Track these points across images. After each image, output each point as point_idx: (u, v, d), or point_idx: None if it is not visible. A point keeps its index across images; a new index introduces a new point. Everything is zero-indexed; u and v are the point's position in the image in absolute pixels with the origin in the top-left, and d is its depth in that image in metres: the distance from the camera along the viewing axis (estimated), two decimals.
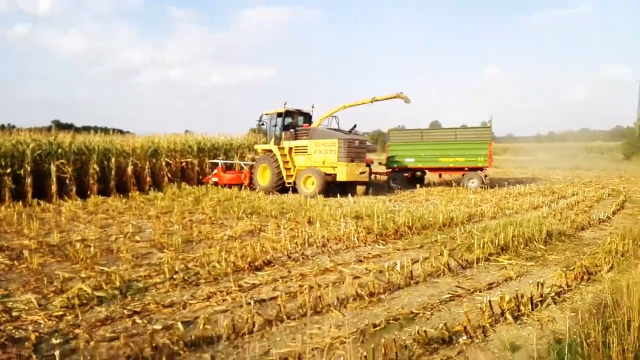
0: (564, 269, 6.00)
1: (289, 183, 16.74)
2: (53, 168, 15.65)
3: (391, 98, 17.68)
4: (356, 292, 5.30)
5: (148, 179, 18.22)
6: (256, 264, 6.69)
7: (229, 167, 20.30)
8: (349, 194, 15.06)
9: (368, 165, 17.43)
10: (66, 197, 15.48)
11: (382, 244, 8.15)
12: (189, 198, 14.50)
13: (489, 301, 4.58)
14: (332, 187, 16.34)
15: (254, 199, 14.14)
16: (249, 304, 4.95)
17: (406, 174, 19.61)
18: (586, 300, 5.11)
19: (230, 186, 17.93)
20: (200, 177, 20.10)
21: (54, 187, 15.62)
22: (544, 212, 11.05)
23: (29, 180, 15.17)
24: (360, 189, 16.59)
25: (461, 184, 18.14)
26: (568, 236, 8.40)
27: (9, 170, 14.89)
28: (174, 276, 6.11)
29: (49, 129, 19.25)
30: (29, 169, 15.24)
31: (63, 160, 15.81)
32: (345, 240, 8.17)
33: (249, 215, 11.22)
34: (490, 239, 7.41)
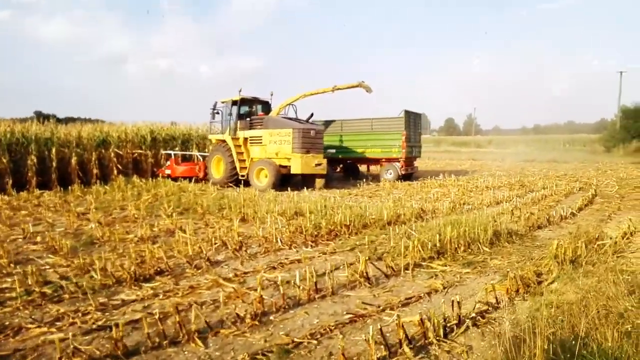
0: (500, 280, 5.04)
1: (242, 176, 15.78)
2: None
3: (353, 87, 17.07)
4: (237, 313, 4.28)
5: (95, 171, 17.02)
6: (146, 273, 5.64)
7: (187, 159, 19.05)
8: (306, 188, 14.20)
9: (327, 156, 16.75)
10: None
11: (312, 245, 7.17)
12: (130, 192, 13.36)
13: (380, 329, 3.58)
14: (293, 181, 15.57)
15: (200, 193, 13.05)
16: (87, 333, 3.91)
17: (338, 166, 19.72)
18: (518, 321, 4.15)
19: (185, 179, 16.77)
20: (155, 169, 18.89)
21: None
22: (503, 208, 10.16)
23: None
24: (319, 182, 15.67)
25: (380, 176, 18.10)
26: (520, 236, 7.47)
27: None
28: (36, 289, 5.03)
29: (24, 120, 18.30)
30: None
31: None
32: (267, 242, 7.14)
33: (184, 212, 10.19)
34: (429, 239, 6.45)
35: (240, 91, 16.24)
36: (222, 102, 16.96)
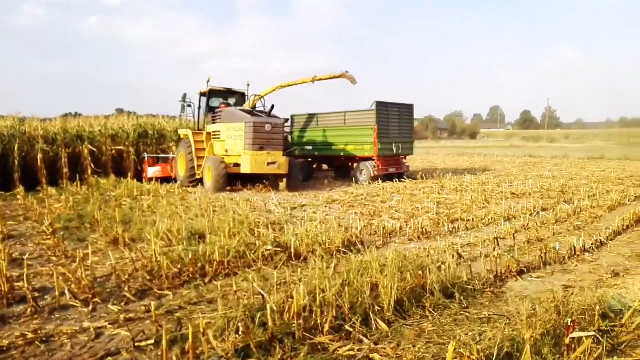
0: None
1: (199, 174, 13.79)
2: None
3: (335, 77, 15.62)
4: None
5: (65, 170, 15.24)
6: None
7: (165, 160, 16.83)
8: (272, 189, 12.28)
9: (289, 154, 15.05)
10: None
11: (134, 300, 4.53)
12: (63, 196, 11.32)
13: None
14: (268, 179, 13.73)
15: (143, 199, 10.75)
16: None
17: (315, 164, 17.92)
18: None
19: (159, 181, 14.67)
20: (139, 168, 16.92)
21: None
22: (505, 229, 7.07)
23: None
24: (282, 183, 13.34)
25: (352, 178, 15.69)
26: (471, 293, 4.41)
27: None
28: None
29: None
30: None
31: None
32: (77, 288, 4.58)
33: (73, 227, 7.95)
34: (279, 306, 3.64)
35: (208, 81, 14.57)
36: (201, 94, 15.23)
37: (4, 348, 3.51)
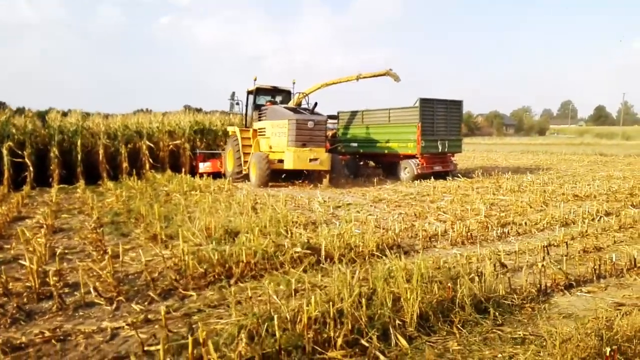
0: None
1: (245, 170, 14.31)
2: (4, 152, 13.78)
3: (379, 75, 15.77)
4: None
5: (124, 164, 15.84)
6: None
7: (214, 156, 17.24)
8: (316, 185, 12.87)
9: (332, 150, 15.37)
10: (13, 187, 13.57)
11: (157, 300, 4.52)
12: (118, 191, 11.72)
13: None
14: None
15: (195, 195, 10.94)
16: None
17: (362, 161, 17.78)
18: None
19: (210, 176, 15.06)
20: (194, 163, 17.35)
21: (6, 175, 13.80)
22: (558, 235, 6.54)
23: None
24: (325, 180, 13.67)
25: (398, 175, 15.55)
26: (509, 308, 4.03)
27: None
28: None
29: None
30: None
31: (10, 143, 13.82)
32: (102, 284, 4.63)
33: (118, 222, 8.17)
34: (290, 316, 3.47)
35: (255, 80, 15.03)
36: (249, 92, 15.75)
37: (22, 345, 3.54)
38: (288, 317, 3.49)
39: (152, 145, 16.52)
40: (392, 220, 7.54)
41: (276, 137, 13.54)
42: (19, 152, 14.09)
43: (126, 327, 3.87)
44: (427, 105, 14.91)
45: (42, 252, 5.65)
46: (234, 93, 15.43)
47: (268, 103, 15.09)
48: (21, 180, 14.07)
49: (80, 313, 4.21)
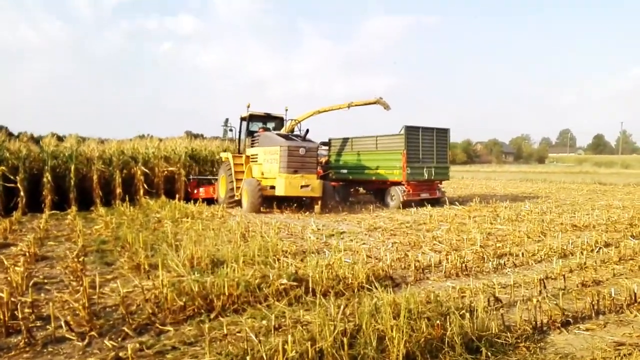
0: None
1: (238, 196, 14.43)
2: None
3: (370, 104, 16.19)
4: None
5: (118, 190, 15.67)
6: None
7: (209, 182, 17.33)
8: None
9: (324, 176, 15.77)
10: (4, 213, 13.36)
11: (131, 335, 4.28)
12: (120, 219, 11.51)
13: None
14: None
15: (185, 222, 10.72)
16: None
17: (353, 187, 17.86)
18: None
19: (204, 201, 15.03)
20: (189, 189, 17.22)
21: None
22: (556, 268, 6.32)
23: None
24: (317, 206, 13.84)
25: (385, 201, 15.79)
26: (503, 347, 3.80)
27: None
28: None
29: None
30: None
31: (2, 168, 13.67)
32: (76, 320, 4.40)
33: (104, 250, 7.96)
34: None
35: (248, 107, 15.32)
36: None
37: None
38: (265, 357, 3.25)
39: (147, 171, 16.38)
40: (385, 250, 7.30)
41: (268, 164, 13.68)
42: (12, 177, 13.92)
43: None
44: (413, 133, 15.13)
45: (18, 282, 5.42)
46: (227, 119, 16.33)
47: (261, 130, 15.30)
48: (13, 206, 13.88)
49: (50, 349, 3.98)
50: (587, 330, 4.28)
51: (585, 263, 6.84)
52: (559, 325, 4.31)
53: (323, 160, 17.88)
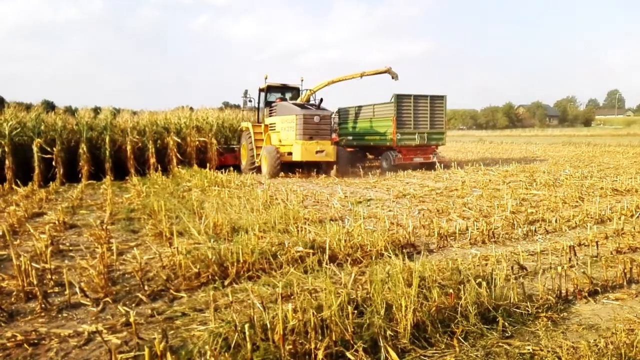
0: None
1: (258, 162, 15.44)
2: (34, 148, 14.05)
3: (381, 73, 16.84)
4: None
5: (152, 160, 15.93)
6: None
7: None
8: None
9: (337, 143, 16.57)
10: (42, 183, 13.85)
11: (146, 301, 4.32)
12: (152, 188, 11.70)
13: None
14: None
15: (214, 190, 10.79)
16: None
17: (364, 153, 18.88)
18: None
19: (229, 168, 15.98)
20: (222, 159, 17.42)
21: (36, 170, 14.07)
22: (590, 234, 5.99)
23: (7, 163, 13.75)
24: (332, 171, 14.84)
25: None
26: (522, 317, 3.60)
27: None
28: None
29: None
30: (7, 150, 13.80)
31: (38, 140, 14.06)
32: (91, 289, 4.46)
33: (132, 218, 8.10)
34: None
35: (266, 78, 16.10)
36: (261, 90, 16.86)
37: None
38: (269, 326, 3.17)
39: (179, 140, 16.55)
40: (408, 216, 7.10)
41: (285, 132, 14.56)
42: (49, 149, 14.31)
43: (105, 331, 3.66)
44: (404, 100, 16.14)
45: (42, 249, 5.53)
46: (246, 91, 16.19)
47: (278, 100, 16.10)
48: (51, 177, 14.32)
49: (64, 314, 4.04)
50: (616, 299, 4.01)
51: (622, 229, 6.45)
52: (586, 294, 4.05)
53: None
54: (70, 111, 17.86)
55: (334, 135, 17.54)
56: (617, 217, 7.12)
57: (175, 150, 16.38)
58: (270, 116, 15.75)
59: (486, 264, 4.94)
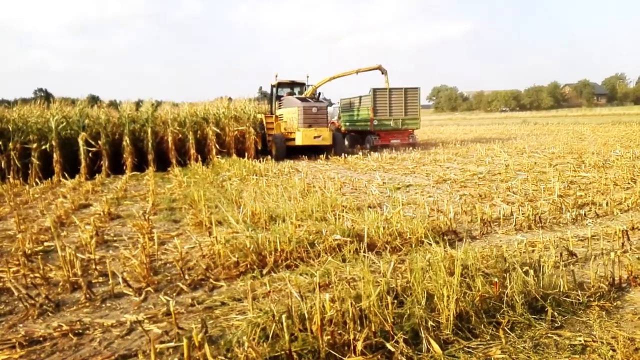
0: None
1: (269, 147, 17.87)
2: (80, 142, 14.51)
3: (373, 69, 19.74)
4: None
5: (192, 151, 16.18)
6: None
7: None
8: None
9: (337, 130, 20.80)
10: (87, 175, 14.29)
11: (186, 290, 4.37)
12: (192, 178, 11.90)
13: None
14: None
15: (249, 180, 10.87)
16: None
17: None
18: None
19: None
20: (259, 147, 17.52)
21: (83, 163, 14.55)
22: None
23: (55, 156, 14.28)
24: (332, 155, 17.07)
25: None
26: (572, 306, 3.42)
27: (34, 146, 14.16)
28: None
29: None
30: (54, 144, 14.31)
31: (83, 134, 14.49)
32: (141, 278, 4.55)
33: (174, 208, 8.24)
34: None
35: (276, 76, 18.89)
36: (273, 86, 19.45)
37: (40, 338, 3.47)
38: (306, 316, 3.12)
39: (218, 131, 16.72)
40: (448, 202, 6.91)
41: (290, 121, 17.39)
42: (93, 143, 14.73)
43: (147, 320, 3.71)
44: (380, 93, 19.37)
45: (87, 239, 5.68)
46: (260, 87, 19.61)
47: (286, 94, 18.86)
48: (97, 169, 14.76)
49: (108, 304, 4.12)
50: None
51: None
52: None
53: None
54: (114, 105, 18.28)
55: (337, 122, 22.76)
56: None
57: (214, 140, 16.55)
58: (280, 108, 18.59)
59: (533, 251, 4.74)
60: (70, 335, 3.50)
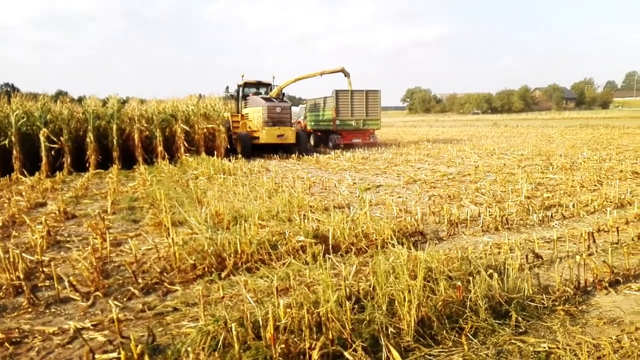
0: None
1: (235, 145, 18.20)
2: (42, 138, 13.94)
3: (336, 71, 20.49)
4: None
5: (159, 148, 15.76)
6: None
7: None
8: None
9: (303, 129, 21.51)
10: (48, 172, 13.74)
11: (138, 295, 4.12)
12: (157, 176, 11.53)
13: None
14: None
15: (218, 178, 10.58)
16: None
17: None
18: None
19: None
20: (228, 146, 17.22)
21: (44, 160, 13.98)
22: (610, 219, 5.65)
23: (15, 153, 13.69)
24: (294, 154, 17.41)
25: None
26: (537, 311, 3.32)
27: None
28: None
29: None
30: (14, 139, 13.72)
31: (45, 130, 13.94)
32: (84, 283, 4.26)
33: (133, 208, 7.91)
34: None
35: (242, 76, 19.57)
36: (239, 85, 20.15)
37: None
38: (260, 323, 2.94)
39: (187, 128, 16.34)
40: (416, 203, 6.81)
41: (255, 120, 17.78)
42: (55, 139, 14.19)
43: (91, 327, 3.46)
44: (342, 95, 20.00)
45: (36, 240, 5.36)
46: (227, 87, 19.85)
47: (251, 94, 19.51)
48: (59, 166, 14.23)
49: (52, 310, 3.85)
50: (639, 290, 3.70)
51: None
52: (607, 285, 3.75)
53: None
54: (81, 101, 17.67)
55: (302, 122, 23.20)
56: (638, 200, 6.75)
57: (182, 138, 16.17)
58: (246, 107, 19.14)
59: (499, 253, 4.65)
60: (7, 344, 3.23)
